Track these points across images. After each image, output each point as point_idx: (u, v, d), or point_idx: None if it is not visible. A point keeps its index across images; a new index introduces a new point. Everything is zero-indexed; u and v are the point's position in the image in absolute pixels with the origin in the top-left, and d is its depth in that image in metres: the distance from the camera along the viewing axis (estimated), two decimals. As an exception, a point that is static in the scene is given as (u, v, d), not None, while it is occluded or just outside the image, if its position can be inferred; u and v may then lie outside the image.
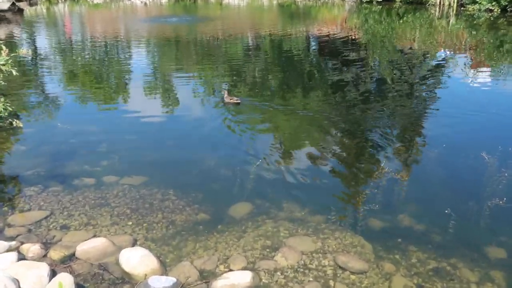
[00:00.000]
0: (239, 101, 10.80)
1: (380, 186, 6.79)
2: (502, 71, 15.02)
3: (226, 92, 11.09)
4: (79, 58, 17.79)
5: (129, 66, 16.40)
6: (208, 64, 16.58)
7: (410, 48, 19.03)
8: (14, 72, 8.29)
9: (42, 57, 18.02)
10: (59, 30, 27.37)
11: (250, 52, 18.87)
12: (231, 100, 10.81)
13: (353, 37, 22.68)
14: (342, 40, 21.98)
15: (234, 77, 14.18)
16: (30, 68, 16.10)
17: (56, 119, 10.15)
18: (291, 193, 6.71)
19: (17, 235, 5.63)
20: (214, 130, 9.36)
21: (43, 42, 22.10)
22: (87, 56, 18.41)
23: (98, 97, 12.11)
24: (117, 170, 7.34)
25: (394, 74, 14.31)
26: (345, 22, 30.22)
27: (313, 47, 20.95)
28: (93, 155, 7.95)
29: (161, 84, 13.76)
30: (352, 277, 5.00)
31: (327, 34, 23.95)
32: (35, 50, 19.34)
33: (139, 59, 17.53)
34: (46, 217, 6.04)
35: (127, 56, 18.65)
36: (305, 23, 29.36)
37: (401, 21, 28.32)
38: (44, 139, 8.85)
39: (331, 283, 4.90)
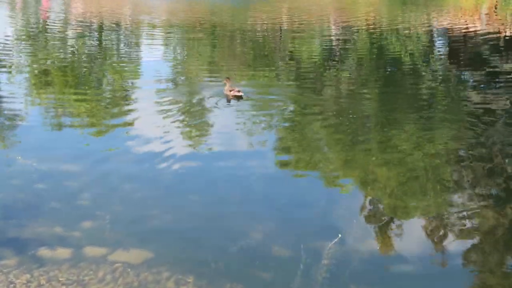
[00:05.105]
0: (241, 94, 12.22)
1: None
2: None
3: (226, 81, 12.45)
4: (58, 53, 18.55)
5: (134, 68, 16.94)
6: (262, 70, 16.87)
7: None
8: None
9: (0, 49, 18.91)
10: (30, 8, 28.81)
11: (332, 54, 19.02)
12: (231, 93, 12.27)
13: (509, 36, 22.41)
14: (489, 40, 21.78)
15: (304, 93, 14.33)
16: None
17: (14, 149, 10.51)
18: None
19: None
20: (265, 178, 9.42)
21: (5, 26, 23.21)
22: (69, 50, 19.20)
23: (82, 116, 12.47)
24: (106, 238, 7.42)
25: None
26: (495, 11, 30.02)
27: (439, 51, 20.85)
28: (70, 211, 8.10)
29: (186, 98, 14.04)
30: None
31: (464, 29, 23.82)
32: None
33: (152, 58, 18.08)
34: (-12, 308, 6.18)
35: (132, 51, 19.29)
36: (427, 11, 29.43)
37: None
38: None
39: None
